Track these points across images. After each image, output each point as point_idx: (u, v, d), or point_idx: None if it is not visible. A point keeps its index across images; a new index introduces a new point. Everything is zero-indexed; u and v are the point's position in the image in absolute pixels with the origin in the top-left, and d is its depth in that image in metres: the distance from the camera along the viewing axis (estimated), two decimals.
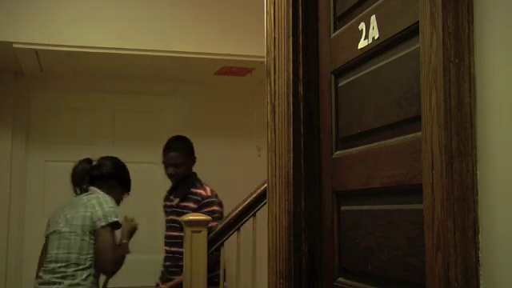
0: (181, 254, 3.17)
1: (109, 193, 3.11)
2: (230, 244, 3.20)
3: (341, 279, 1.86)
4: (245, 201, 3.13)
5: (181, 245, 3.17)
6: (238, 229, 3.16)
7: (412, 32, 1.46)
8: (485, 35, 1.22)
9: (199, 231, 2.98)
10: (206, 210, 3.29)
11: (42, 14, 3.84)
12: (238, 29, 4.09)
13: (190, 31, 4.08)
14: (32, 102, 4.74)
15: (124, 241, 3.12)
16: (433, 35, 1.26)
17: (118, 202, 3.22)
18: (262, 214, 2.67)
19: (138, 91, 4.82)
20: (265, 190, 2.34)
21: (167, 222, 3.51)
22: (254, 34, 3.49)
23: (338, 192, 1.90)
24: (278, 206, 2.06)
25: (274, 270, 2.07)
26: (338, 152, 1.91)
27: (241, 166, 4.64)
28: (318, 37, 2.04)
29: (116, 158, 3.30)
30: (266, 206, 2.24)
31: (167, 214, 3.53)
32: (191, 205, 3.35)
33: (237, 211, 3.12)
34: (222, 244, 3.15)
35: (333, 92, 1.94)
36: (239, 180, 3.97)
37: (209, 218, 3.09)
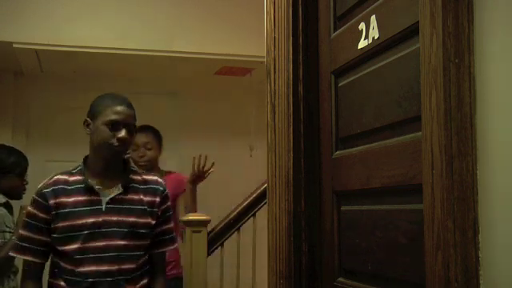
0: (128, 272, 2.12)
1: (5, 187, 3.04)
2: (231, 244, 3.20)
3: (341, 279, 1.86)
4: (245, 201, 3.14)
5: (131, 259, 2.13)
6: (238, 229, 3.17)
7: (412, 32, 1.46)
8: (485, 35, 1.22)
9: (199, 231, 2.99)
10: (168, 205, 2.27)
11: (42, 14, 3.85)
12: (238, 29, 4.09)
13: (189, 31, 4.09)
14: (32, 102, 4.74)
15: (13, 238, 2.87)
16: (433, 35, 1.26)
17: (18, 194, 3.12)
18: (262, 213, 2.68)
19: (138, 91, 4.81)
20: (265, 189, 2.34)
21: (91, 226, 2.09)
22: (254, 34, 3.48)
23: (338, 192, 1.90)
24: (278, 206, 2.06)
25: (274, 270, 2.07)
26: (338, 152, 1.91)
27: (241, 165, 4.64)
28: (318, 37, 2.04)
29: None
30: (266, 205, 2.24)
31: (90, 214, 2.10)
32: (145, 198, 2.18)
33: (237, 211, 3.13)
34: (222, 244, 3.15)
35: (333, 92, 1.94)
36: (241, 180, 3.97)
37: (209, 217, 3.04)
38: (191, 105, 4.88)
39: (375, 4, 1.67)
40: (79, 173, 2.18)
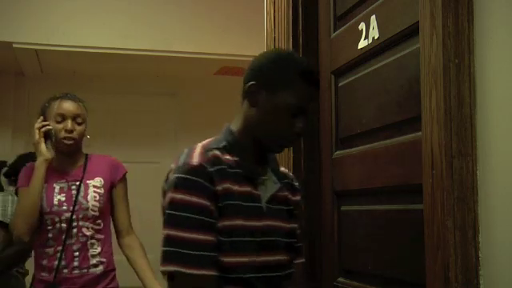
0: None
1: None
2: None
3: (341, 279, 1.86)
4: None
5: (290, 281, 1.48)
6: None
7: (412, 32, 1.46)
8: (485, 35, 1.22)
9: None
10: None
11: (42, 15, 3.84)
12: (238, 29, 4.09)
13: (190, 31, 4.09)
14: (32, 102, 4.74)
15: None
16: (433, 35, 1.26)
17: None
18: None
19: (138, 91, 4.82)
20: None
21: (260, 231, 1.39)
22: (254, 34, 3.48)
23: (338, 192, 1.90)
24: None
25: None
26: (338, 152, 1.91)
27: None
28: (318, 37, 2.04)
29: (26, 155, 3.10)
30: None
31: (252, 214, 1.39)
32: (292, 197, 1.53)
33: None
34: None
35: (333, 92, 1.94)
36: None
37: None
38: (191, 105, 4.88)
39: (375, 4, 1.67)
40: (228, 151, 1.41)
